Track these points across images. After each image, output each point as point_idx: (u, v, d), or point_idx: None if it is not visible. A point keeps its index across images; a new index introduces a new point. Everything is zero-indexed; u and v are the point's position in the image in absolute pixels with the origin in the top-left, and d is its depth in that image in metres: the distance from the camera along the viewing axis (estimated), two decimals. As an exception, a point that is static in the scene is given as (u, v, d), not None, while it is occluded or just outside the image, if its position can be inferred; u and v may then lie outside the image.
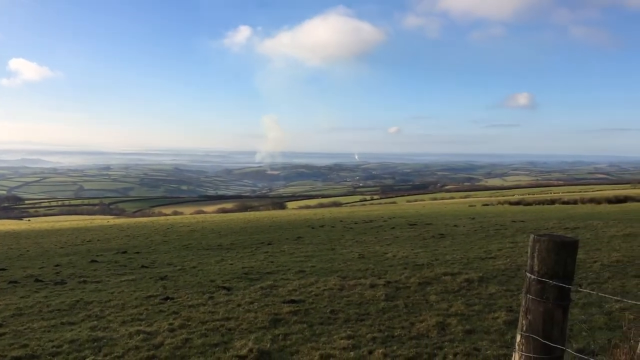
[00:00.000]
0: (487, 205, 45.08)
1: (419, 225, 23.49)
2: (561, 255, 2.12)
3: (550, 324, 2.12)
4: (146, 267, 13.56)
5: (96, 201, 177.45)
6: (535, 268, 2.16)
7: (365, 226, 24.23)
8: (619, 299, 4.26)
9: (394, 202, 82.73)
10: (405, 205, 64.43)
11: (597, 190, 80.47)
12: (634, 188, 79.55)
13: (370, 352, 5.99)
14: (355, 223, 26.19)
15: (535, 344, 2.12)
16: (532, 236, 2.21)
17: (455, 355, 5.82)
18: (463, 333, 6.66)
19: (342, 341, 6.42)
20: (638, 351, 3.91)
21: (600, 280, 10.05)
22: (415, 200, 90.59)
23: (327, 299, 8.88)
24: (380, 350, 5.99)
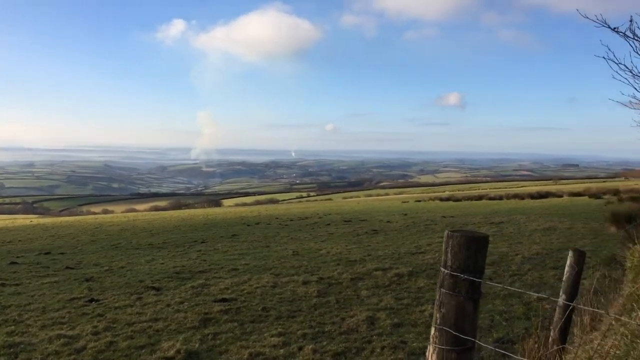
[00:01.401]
0: (419, 201, 46.40)
1: (354, 221, 23.83)
2: (472, 250, 2.20)
3: (462, 317, 2.20)
4: (71, 268, 12.96)
5: (18, 200, 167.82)
6: (449, 263, 2.23)
7: (301, 223, 24.31)
8: (523, 291, 4.51)
9: (330, 199, 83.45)
10: (341, 202, 65.16)
11: (521, 187, 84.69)
12: (555, 184, 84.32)
13: (300, 349, 6.01)
14: (291, 220, 26.22)
15: (448, 337, 2.19)
16: (446, 232, 2.28)
17: (382, 348, 5.95)
18: (391, 327, 6.81)
19: (272, 339, 6.41)
20: (550, 340, 4.13)
21: (521, 272, 10.57)
22: (351, 197, 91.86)
23: (259, 296, 8.84)
24: (310, 346, 6.02)
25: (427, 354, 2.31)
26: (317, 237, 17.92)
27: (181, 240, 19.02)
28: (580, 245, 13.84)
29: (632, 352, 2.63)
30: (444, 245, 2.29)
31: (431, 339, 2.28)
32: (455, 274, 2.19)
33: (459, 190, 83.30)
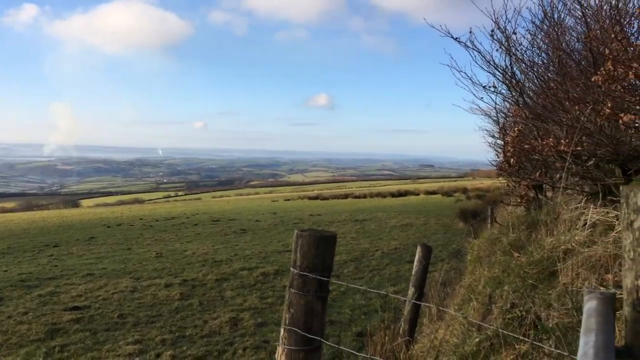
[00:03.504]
0: (288, 200, 47.00)
1: (222, 221, 23.46)
2: (321, 249, 2.22)
3: (310, 316, 2.21)
4: None
5: None
6: (298, 262, 2.23)
7: (167, 223, 23.41)
8: (365, 288, 4.77)
9: (199, 199, 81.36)
10: (210, 201, 63.83)
11: (384, 185, 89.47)
12: (413, 183, 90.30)
13: (158, 355, 5.76)
14: (156, 220, 25.13)
15: (297, 337, 2.19)
16: (295, 232, 2.28)
17: (245, 349, 5.89)
18: (255, 327, 6.78)
19: (128, 347, 6.05)
20: (400, 331, 4.37)
21: (381, 267, 11.13)
22: (221, 197, 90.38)
23: (116, 302, 8.31)
24: (169, 352, 5.79)
25: (276, 355, 2.30)
26: (183, 238, 17.37)
27: (30, 244, 17.31)
28: (433, 239, 14.96)
29: (467, 340, 2.85)
30: (293, 245, 2.29)
31: (280, 340, 2.27)
32: (304, 273, 2.20)
33: (326, 189, 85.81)
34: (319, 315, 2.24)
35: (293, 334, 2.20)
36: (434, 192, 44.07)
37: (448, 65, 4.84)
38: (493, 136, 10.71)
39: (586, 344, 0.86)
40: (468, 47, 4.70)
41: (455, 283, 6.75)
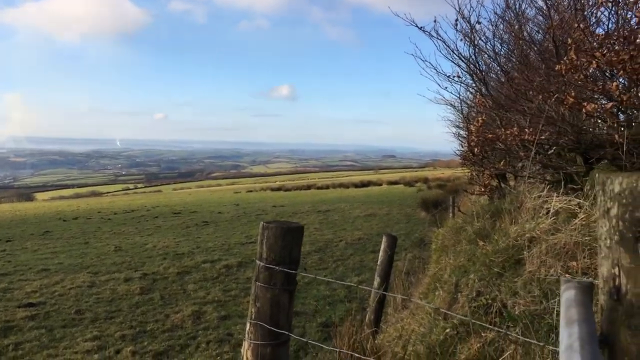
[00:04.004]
0: (251, 191, 46.70)
1: (184, 213, 23.09)
2: (288, 241, 2.16)
3: (277, 310, 2.15)
4: None
5: None
6: (264, 255, 2.17)
7: (126, 216, 22.86)
8: (331, 280, 4.76)
9: (160, 191, 79.90)
10: (171, 193, 62.82)
11: (346, 176, 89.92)
12: (375, 174, 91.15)
13: (118, 352, 5.59)
14: (115, 214, 24.52)
15: (264, 331, 2.13)
16: (261, 223, 2.21)
17: (208, 343, 5.80)
18: (218, 320, 6.68)
19: (86, 344, 5.86)
20: (367, 321, 4.35)
21: (345, 257, 11.16)
22: (182, 189, 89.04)
23: (73, 298, 8.04)
24: (130, 348, 5.63)
25: (242, 350, 2.23)
26: (144, 231, 16.99)
27: (-21, 240, 16.62)
28: (396, 229, 15.09)
29: (434, 329, 2.85)
30: (259, 237, 2.22)
31: (246, 335, 2.20)
32: (271, 266, 2.14)
33: (289, 181, 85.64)
34: (286, 309, 2.18)
35: (259, 328, 2.14)
36: (396, 182, 44.58)
37: (412, 55, 4.84)
38: (457, 126, 10.86)
39: (570, 335, 0.83)
40: (432, 36, 4.70)
41: (420, 272, 6.81)
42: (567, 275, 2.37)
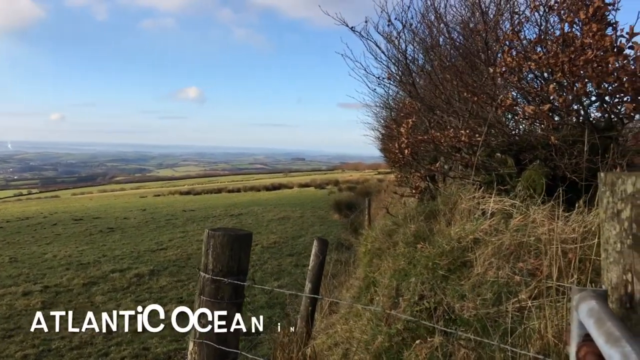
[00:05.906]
0: (158, 195, 44.95)
1: (86, 219, 21.67)
2: (236, 250, 1.98)
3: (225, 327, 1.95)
4: None
5: None
6: (210, 266, 1.96)
7: (20, 224, 21.07)
8: (267, 287, 4.60)
9: (57, 196, 74.73)
10: (70, 199, 58.89)
11: (257, 179, 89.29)
12: (286, 176, 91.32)
13: (20, 376, 5.04)
14: (7, 222, 22.52)
15: (209, 351, 1.92)
16: (206, 231, 2.00)
17: (122, 359, 5.37)
18: (131, 333, 6.22)
19: (-20, 369, 5.23)
20: (298, 328, 4.20)
21: (262, 261, 10.95)
22: (82, 194, 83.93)
23: (-39, 317, 7.20)
24: (33, 371, 5.09)
25: (185, 373, 2.01)
26: (41, 240, 15.72)
27: None
28: (312, 231, 15.08)
29: (379, 336, 2.76)
30: (204, 246, 2.00)
31: (189, 356, 1.98)
32: (218, 278, 1.93)
33: (198, 184, 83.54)
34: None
35: (205, 347, 1.93)
36: (307, 185, 44.79)
37: (342, 55, 4.76)
38: (376, 129, 11.00)
39: (626, 356, 0.73)
40: (363, 36, 4.65)
41: (342, 275, 6.77)
42: (515, 277, 2.37)
